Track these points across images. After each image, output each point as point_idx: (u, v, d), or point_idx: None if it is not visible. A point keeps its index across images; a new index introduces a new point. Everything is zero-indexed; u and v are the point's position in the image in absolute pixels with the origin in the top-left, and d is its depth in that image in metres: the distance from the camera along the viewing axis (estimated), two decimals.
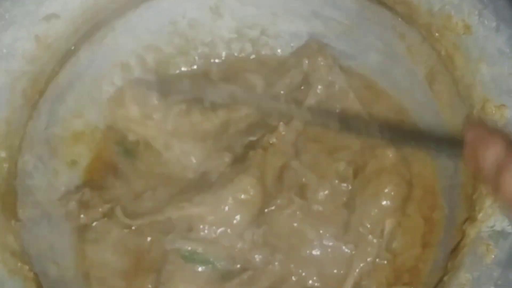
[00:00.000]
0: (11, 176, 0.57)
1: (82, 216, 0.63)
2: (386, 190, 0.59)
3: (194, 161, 0.65)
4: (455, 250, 0.51)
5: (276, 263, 0.58)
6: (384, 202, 0.59)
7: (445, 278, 0.50)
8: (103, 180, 0.66)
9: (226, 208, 0.59)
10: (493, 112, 0.53)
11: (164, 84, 0.67)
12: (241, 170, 0.61)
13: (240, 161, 0.63)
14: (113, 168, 0.67)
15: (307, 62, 0.68)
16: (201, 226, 0.59)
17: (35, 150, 0.62)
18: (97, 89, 0.69)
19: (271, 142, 0.62)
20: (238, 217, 0.59)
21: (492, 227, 0.49)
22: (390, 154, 0.61)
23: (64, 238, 0.64)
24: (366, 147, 0.63)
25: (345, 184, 0.62)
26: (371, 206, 0.59)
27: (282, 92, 0.68)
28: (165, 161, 0.66)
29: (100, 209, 0.63)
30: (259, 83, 0.66)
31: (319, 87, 0.67)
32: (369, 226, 0.59)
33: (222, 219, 0.59)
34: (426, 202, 0.62)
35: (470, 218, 0.51)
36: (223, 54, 0.73)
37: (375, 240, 0.58)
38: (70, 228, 0.64)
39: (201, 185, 0.62)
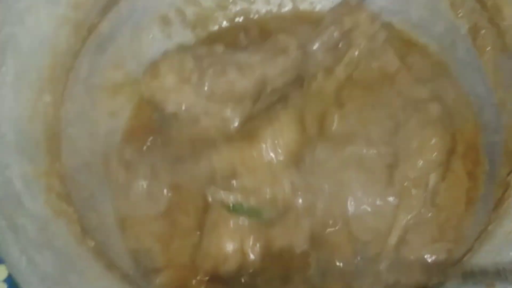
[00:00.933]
0: (56, 121, 0.57)
1: (123, 176, 0.63)
2: (431, 142, 0.59)
3: (234, 124, 0.64)
4: (499, 201, 0.51)
5: (319, 210, 0.58)
6: (429, 155, 0.58)
7: (490, 227, 0.49)
8: (143, 140, 0.66)
9: (266, 149, 0.59)
10: None
11: (199, 48, 0.66)
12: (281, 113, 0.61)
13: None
14: (152, 130, 0.67)
15: (347, 18, 0.66)
16: (242, 171, 0.58)
17: (76, 99, 0.63)
18: (137, 42, 0.69)
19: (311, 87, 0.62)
20: (278, 158, 0.58)
21: None
22: (434, 107, 0.61)
23: (104, 188, 0.64)
24: (408, 103, 0.62)
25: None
26: (416, 159, 0.59)
27: (319, 49, 0.67)
28: (204, 126, 0.66)
29: (141, 169, 0.63)
30: (292, 46, 0.66)
31: (361, 42, 0.66)
32: (413, 179, 0.58)
33: (263, 162, 0.59)
34: (469, 157, 0.61)
35: None
36: (263, 10, 0.71)
37: (420, 194, 0.57)
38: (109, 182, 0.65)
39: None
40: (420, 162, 0.59)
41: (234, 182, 0.59)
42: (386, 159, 0.60)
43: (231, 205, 0.59)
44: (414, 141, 0.60)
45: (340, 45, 0.68)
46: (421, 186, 0.58)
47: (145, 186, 0.64)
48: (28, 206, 0.51)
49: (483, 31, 0.62)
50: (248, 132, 0.61)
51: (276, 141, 0.59)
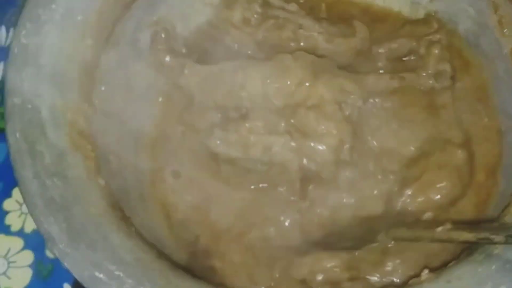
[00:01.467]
0: (94, 64, 0.60)
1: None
2: (440, 185, 0.60)
3: None
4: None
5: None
6: (432, 195, 0.59)
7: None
8: None
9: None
10: None
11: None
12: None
13: None
14: None
15: (425, 40, 0.68)
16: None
17: (120, 49, 0.65)
18: (189, 5, 0.71)
19: None
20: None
21: None
22: (460, 154, 0.61)
23: (132, 139, 0.67)
24: (437, 138, 0.63)
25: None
26: (419, 194, 0.59)
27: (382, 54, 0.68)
28: None
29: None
30: (359, 34, 0.67)
31: (425, 74, 0.66)
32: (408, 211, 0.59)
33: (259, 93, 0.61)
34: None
35: None
36: None
37: None
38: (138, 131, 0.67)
39: None
40: (421, 198, 0.59)
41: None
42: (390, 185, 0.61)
43: None
44: (425, 175, 0.60)
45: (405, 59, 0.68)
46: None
47: None
48: (50, 135, 0.54)
49: None
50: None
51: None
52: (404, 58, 0.68)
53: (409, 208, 0.60)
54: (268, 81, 0.61)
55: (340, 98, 0.62)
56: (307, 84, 0.61)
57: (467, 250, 0.50)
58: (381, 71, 0.68)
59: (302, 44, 0.66)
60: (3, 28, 0.70)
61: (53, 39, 0.58)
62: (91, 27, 0.60)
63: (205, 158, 0.65)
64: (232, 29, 0.67)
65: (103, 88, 0.63)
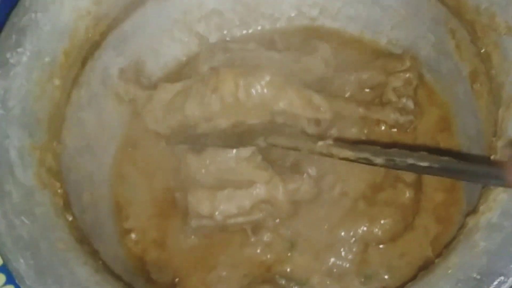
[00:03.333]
0: (62, 103, 0.62)
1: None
2: (383, 221, 0.61)
3: None
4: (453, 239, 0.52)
5: None
6: (372, 228, 0.61)
7: (436, 260, 0.51)
8: None
9: None
10: None
11: (232, 43, 0.73)
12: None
13: None
14: None
15: (396, 77, 0.69)
16: None
17: (91, 86, 0.68)
18: (158, 42, 0.73)
19: None
20: None
21: (490, 219, 0.50)
22: (407, 194, 0.62)
23: (104, 171, 0.69)
24: (391, 176, 0.64)
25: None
26: (361, 225, 0.61)
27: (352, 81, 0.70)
28: None
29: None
30: (322, 50, 0.69)
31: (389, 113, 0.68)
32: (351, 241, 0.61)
33: None
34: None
35: (473, 211, 0.52)
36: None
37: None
38: (111, 161, 0.69)
39: None
40: (363, 228, 0.60)
41: None
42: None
43: None
44: (372, 208, 0.61)
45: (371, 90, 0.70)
46: (350, 251, 0.60)
47: None
48: (18, 175, 0.56)
49: (480, 77, 0.63)
50: None
51: None
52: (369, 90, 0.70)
53: None
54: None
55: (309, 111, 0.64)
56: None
57: (423, 270, 0.51)
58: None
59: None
60: None
61: (21, 81, 0.60)
62: (59, 68, 0.62)
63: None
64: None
65: (77, 124, 0.65)
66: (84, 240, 0.56)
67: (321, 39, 0.73)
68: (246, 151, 0.60)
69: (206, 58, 0.70)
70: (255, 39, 0.74)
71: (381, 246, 0.61)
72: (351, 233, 0.61)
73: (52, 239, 0.54)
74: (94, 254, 0.56)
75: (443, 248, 0.53)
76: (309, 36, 0.74)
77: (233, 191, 0.60)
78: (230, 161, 0.60)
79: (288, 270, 0.61)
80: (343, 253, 0.60)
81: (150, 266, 0.65)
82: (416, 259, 0.60)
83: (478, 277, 0.47)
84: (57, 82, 0.62)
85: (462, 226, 0.52)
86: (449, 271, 0.49)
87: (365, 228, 0.60)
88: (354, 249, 0.60)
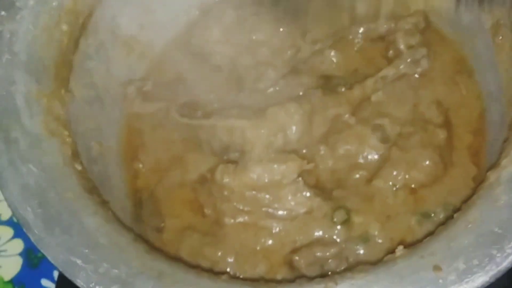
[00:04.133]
0: (69, 51, 0.61)
1: (137, 104, 0.66)
2: (425, 163, 0.60)
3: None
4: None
5: None
6: (416, 174, 0.59)
7: (455, 215, 0.49)
8: (167, 79, 0.69)
9: (267, 128, 0.61)
10: None
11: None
12: (295, 99, 0.62)
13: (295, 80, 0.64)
14: (177, 72, 0.70)
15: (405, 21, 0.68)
16: (239, 141, 0.61)
17: (99, 35, 0.66)
18: None
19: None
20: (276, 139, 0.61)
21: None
22: (441, 135, 0.61)
23: (113, 122, 0.68)
24: (418, 118, 0.63)
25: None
26: (402, 171, 0.60)
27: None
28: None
29: (155, 103, 0.66)
30: None
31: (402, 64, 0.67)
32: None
33: (260, 138, 0.61)
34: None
35: (494, 165, 0.51)
36: None
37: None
38: (120, 114, 0.67)
39: (253, 99, 0.65)
40: (405, 175, 0.59)
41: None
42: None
43: None
44: (409, 155, 0.60)
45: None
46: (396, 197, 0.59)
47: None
48: (25, 122, 0.54)
49: (503, 30, 0.61)
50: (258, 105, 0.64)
51: (277, 124, 0.62)
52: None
53: None
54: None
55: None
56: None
57: (441, 225, 0.50)
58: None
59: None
60: None
61: (27, 26, 0.58)
62: (66, 13, 0.60)
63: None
64: (217, 46, 0.68)
65: (86, 74, 0.64)
66: (94, 190, 0.55)
67: None
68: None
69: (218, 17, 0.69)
70: None
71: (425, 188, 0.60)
72: (390, 183, 0.59)
73: (60, 189, 0.52)
74: (103, 204, 0.54)
75: (462, 203, 0.51)
76: None
77: None
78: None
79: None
80: (389, 200, 0.59)
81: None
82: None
83: (500, 231, 0.46)
84: (64, 27, 0.60)
85: (483, 180, 0.50)
86: (469, 226, 0.47)
87: (406, 175, 0.59)
88: (400, 194, 0.59)
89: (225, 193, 0.58)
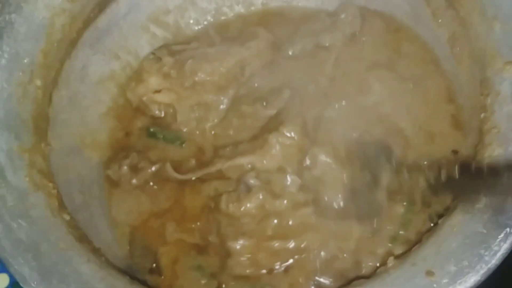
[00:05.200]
0: (45, 103, 0.61)
1: (134, 180, 0.66)
2: None
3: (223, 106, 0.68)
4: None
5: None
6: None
7: (439, 221, 0.51)
8: (143, 141, 0.70)
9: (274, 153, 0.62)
10: (502, 68, 0.54)
11: (175, 45, 0.72)
12: (284, 118, 0.64)
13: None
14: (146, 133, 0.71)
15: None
16: (252, 174, 0.62)
17: (71, 86, 0.67)
18: (134, 39, 0.73)
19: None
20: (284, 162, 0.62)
21: None
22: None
23: (93, 172, 0.68)
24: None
25: None
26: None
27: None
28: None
29: (149, 170, 0.67)
30: (261, 32, 0.70)
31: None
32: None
33: (270, 164, 0.62)
34: None
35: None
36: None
37: None
38: (98, 163, 0.68)
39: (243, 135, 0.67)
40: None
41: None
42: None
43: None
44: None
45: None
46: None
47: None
48: (10, 179, 0.55)
49: (460, 40, 0.63)
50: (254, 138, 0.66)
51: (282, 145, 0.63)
52: None
53: None
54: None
55: None
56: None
57: (427, 232, 0.52)
58: None
59: (228, 63, 0.69)
60: None
61: (1, 84, 0.58)
62: (38, 68, 0.61)
63: None
64: (156, 96, 0.69)
65: (61, 126, 0.65)
66: (84, 238, 0.55)
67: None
68: None
69: (152, 66, 0.70)
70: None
71: None
72: None
73: (52, 240, 0.53)
74: (95, 251, 0.55)
75: (444, 210, 0.53)
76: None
77: None
78: None
79: None
80: None
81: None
82: None
83: (484, 231, 0.48)
84: (38, 82, 0.61)
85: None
86: (455, 229, 0.49)
87: None
88: None
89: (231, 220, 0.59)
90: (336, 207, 0.59)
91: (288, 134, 0.62)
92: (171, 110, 0.68)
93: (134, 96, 0.69)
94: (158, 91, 0.69)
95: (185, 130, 0.68)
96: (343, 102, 0.64)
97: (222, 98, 0.68)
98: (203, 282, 0.59)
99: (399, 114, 0.63)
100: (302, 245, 0.58)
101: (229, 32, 0.73)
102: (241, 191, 0.61)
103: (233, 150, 0.64)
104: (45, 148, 0.59)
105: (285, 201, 0.59)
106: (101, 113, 0.70)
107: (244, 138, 0.66)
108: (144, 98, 0.69)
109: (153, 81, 0.69)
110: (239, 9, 0.76)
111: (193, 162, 0.66)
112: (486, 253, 0.47)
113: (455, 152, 0.61)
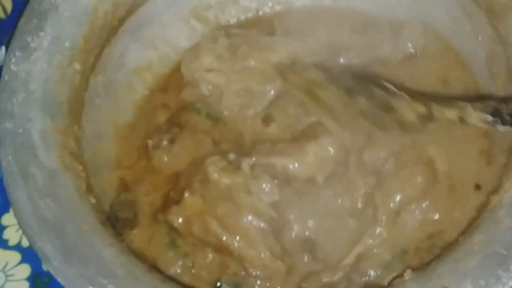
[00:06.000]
0: (82, 88, 0.63)
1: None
2: (417, 180, 0.60)
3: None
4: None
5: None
6: (409, 191, 0.60)
7: (460, 238, 0.51)
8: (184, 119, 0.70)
9: (307, 161, 0.62)
10: None
11: (233, 28, 0.73)
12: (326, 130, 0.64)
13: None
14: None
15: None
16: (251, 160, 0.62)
17: (107, 73, 0.68)
18: (173, 31, 0.74)
19: None
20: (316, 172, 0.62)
21: None
22: (430, 151, 0.62)
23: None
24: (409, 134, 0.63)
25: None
26: (396, 191, 0.61)
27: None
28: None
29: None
30: (320, 32, 0.70)
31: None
32: (388, 210, 0.60)
33: (303, 171, 0.62)
34: None
35: (496, 189, 0.53)
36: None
37: (388, 225, 0.60)
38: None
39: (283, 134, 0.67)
40: (398, 196, 0.60)
41: None
42: (368, 187, 0.62)
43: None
44: (402, 172, 0.61)
45: None
46: (391, 219, 0.60)
47: None
48: (41, 158, 0.56)
49: (498, 59, 0.63)
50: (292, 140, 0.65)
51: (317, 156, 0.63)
52: None
53: None
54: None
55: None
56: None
57: (447, 249, 0.52)
58: None
59: (279, 54, 0.68)
60: (3, 49, 0.71)
61: (42, 65, 0.60)
62: (78, 52, 0.62)
63: None
64: (208, 75, 0.69)
65: (94, 110, 0.66)
66: (107, 222, 0.56)
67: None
68: None
69: (208, 45, 0.70)
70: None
71: None
72: None
73: (76, 221, 0.54)
74: (118, 236, 0.56)
75: (467, 227, 0.53)
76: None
77: None
78: None
79: None
80: None
81: None
82: None
83: (505, 252, 0.48)
84: (77, 66, 0.62)
85: (485, 204, 0.52)
86: (475, 248, 0.49)
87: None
88: None
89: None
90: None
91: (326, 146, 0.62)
92: (218, 91, 0.69)
93: (188, 71, 0.70)
94: (210, 70, 0.69)
95: (226, 113, 0.68)
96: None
97: (268, 88, 0.67)
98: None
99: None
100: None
101: (291, 25, 0.72)
102: (232, 164, 0.61)
103: (271, 147, 0.63)
104: (77, 131, 0.61)
105: (252, 202, 0.59)
106: (134, 100, 0.70)
107: (284, 137, 0.66)
108: (196, 75, 0.69)
109: (207, 60, 0.69)
110: (281, 8, 0.76)
111: (232, 147, 0.66)
112: (504, 275, 0.47)
113: (477, 186, 0.60)
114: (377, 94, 0.62)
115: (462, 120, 0.57)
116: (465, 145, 0.63)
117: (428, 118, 0.59)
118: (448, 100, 0.59)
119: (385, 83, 0.62)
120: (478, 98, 0.61)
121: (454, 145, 0.62)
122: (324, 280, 0.58)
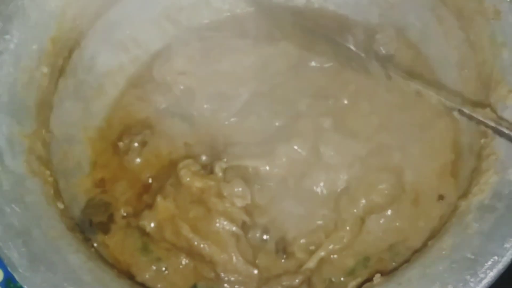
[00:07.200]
0: (50, 91, 0.62)
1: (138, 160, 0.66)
2: (380, 187, 0.60)
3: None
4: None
5: None
6: (373, 197, 0.60)
7: (429, 242, 0.51)
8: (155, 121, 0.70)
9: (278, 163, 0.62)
10: (506, 95, 0.54)
11: (206, 31, 0.72)
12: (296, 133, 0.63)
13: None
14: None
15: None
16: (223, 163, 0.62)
17: (77, 76, 0.67)
18: (145, 33, 0.73)
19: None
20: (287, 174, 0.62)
21: (482, 201, 0.51)
22: (397, 156, 0.62)
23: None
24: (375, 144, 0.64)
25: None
26: (361, 196, 0.61)
27: None
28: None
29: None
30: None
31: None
32: (352, 215, 0.60)
33: (274, 173, 0.62)
34: None
35: (465, 193, 0.53)
36: None
37: (353, 230, 0.60)
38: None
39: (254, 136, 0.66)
40: (363, 201, 0.60)
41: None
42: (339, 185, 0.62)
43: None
44: (368, 178, 0.61)
45: None
46: (356, 224, 0.60)
47: None
48: (8, 163, 0.55)
49: (468, 63, 0.63)
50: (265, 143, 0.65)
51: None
52: None
53: None
54: None
55: None
56: None
57: (417, 253, 0.52)
58: None
59: (251, 58, 0.69)
60: None
61: (8, 69, 0.59)
62: (46, 55, 0.61)
63: None
64: (179, 76, 0.70)
65: (64, 114, 0.65)
66: (76, 228, 0.56)
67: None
68: None
69: (179, 48, 0.70)
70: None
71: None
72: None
73: (43, 227, 0.53)
74: (86, 241, 0.55)
75: (436, 231, 0.53)
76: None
77: None
78: None
79: None
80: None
81: None
82: None
83: (472, 257, 0.48)
84: (45, 69, 0.61)
85: (455, 208, 0.52)
86: (443, 252, 0.49)
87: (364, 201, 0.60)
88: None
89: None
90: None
91: (297, 148, 0.62)
92: (190, 94, 0.68)
93: (160, 73, 0.69)
94: (182, 73, 0.69)
95: (198, 116, 0.68)
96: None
97: (240, 91, 0.67)
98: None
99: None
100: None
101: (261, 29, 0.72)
102: (205, 167, 0.61)
103: (243, 150, 0.63)
104: (45, 135, 0.60)
105: (224, 206, 0.59)
106: (106, 104, 0.69)
107: (255, 140, 0.65)
108: (168, 78, 0.69)
109: (179, 63, 0.69)
110: (253, 10, 0.75)
111: (204, 150, 0.66)
112: (472, 279, 0.47)
113: (441, 197, 0.60)
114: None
115: (419, 94, 0.57)
116: (431, 156, 0.63)
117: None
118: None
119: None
120: None
121: (421, 155, 0.62)
122: (284, 283, 0.58)
